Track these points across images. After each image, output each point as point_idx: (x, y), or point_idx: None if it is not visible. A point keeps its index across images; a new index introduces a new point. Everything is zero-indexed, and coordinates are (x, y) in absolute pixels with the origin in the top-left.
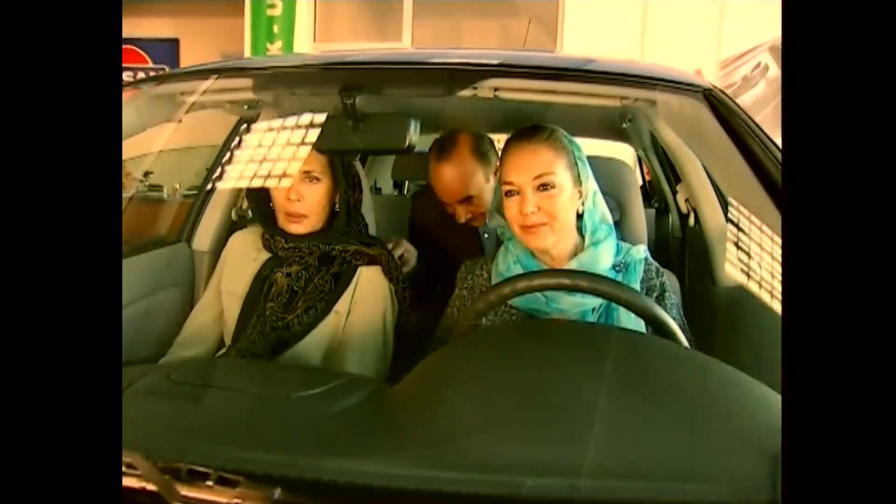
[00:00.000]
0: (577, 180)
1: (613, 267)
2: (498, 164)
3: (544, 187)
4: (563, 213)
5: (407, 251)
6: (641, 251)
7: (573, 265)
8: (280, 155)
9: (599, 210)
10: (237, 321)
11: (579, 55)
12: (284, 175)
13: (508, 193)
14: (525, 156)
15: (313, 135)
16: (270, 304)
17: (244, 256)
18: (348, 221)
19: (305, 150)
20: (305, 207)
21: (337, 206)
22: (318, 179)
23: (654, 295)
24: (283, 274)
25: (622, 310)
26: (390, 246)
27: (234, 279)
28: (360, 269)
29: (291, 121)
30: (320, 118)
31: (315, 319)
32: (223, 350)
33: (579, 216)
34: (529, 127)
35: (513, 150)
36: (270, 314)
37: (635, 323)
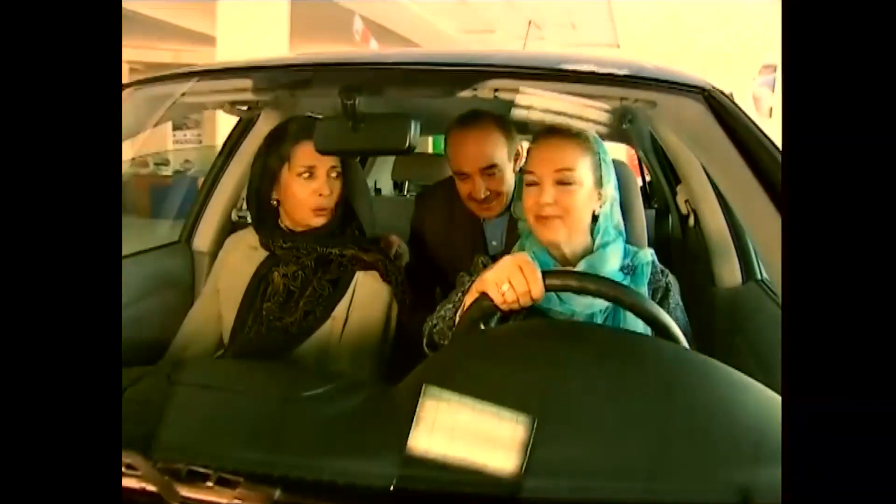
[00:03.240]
0: (599, 182)
1: (621, 269)
2: (519, 149)
3: (563, 182)
4: (578, 209)
5: (399, 247)
6: (649, 254)
7: (582, 265)
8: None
9: (614, 216)
10: (234, 321)
11: (580, 56)
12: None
13: (529, 183)
14: (550, 149)
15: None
16: (267, 304)
17: (241, 256)
18: (343, 219)
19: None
20: (332, 201)
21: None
22: (340, 174)
23: (659, 295)
24: (279, 274)
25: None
26: (382, 245)
27: (232, 279)
28: (357, 273)
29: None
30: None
31: (314, 324)
32: (221, 350)
33: (595, 218)
34: (558, 125)
35: (540, 143)
36: (267, 314)
37: (642, 324)
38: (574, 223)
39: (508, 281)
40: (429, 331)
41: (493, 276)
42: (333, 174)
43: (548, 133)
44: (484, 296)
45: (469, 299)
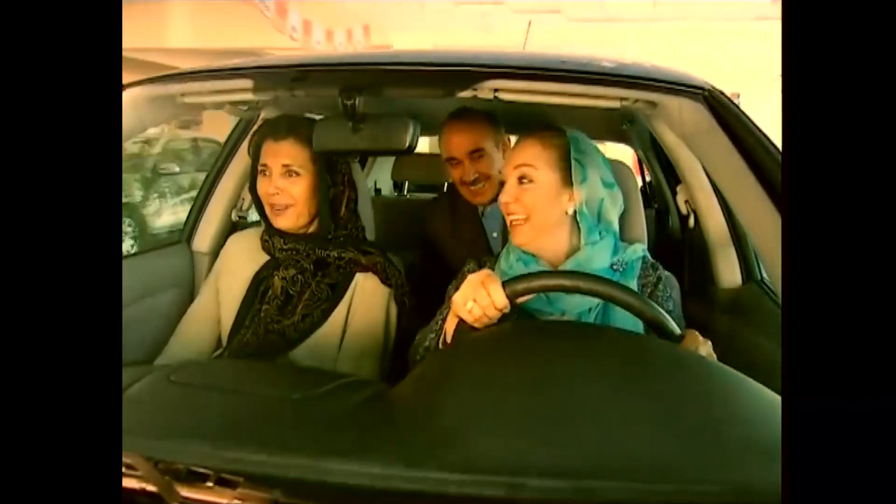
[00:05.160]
0: (567, 181)
1: (611, 266)
2: (506, 140)
3: (523, 179)
4: (540, 209)
5: None
6: (639, 249)
7: (570, 264)
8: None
9: (602, 213)
10: (233, 322)
11: (580, 56)
12: (266, 167)
13: (500, 182)
14: (515, 147)
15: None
16: (265, 306)
17: (242, 258)
18: (335, 222)
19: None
20: (285, 199)
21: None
22: (297, 174)
23: (648, 290)
24: (279, 277)
25: (619, 308)
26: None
27: (231, 281)
28: (357, 276)
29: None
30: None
31: (311, 327)
32: (219, 351)
33: (575, 216)
34: (531, 124)
35: (513, 142)
36: (265, 316)
37: (632, 321)
38: (538, 224)
39: (472, 298)
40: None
41: (459, 297)
42: (285, 173)
43: (517, 131)
44: (460, 320)
45: (449, 326)
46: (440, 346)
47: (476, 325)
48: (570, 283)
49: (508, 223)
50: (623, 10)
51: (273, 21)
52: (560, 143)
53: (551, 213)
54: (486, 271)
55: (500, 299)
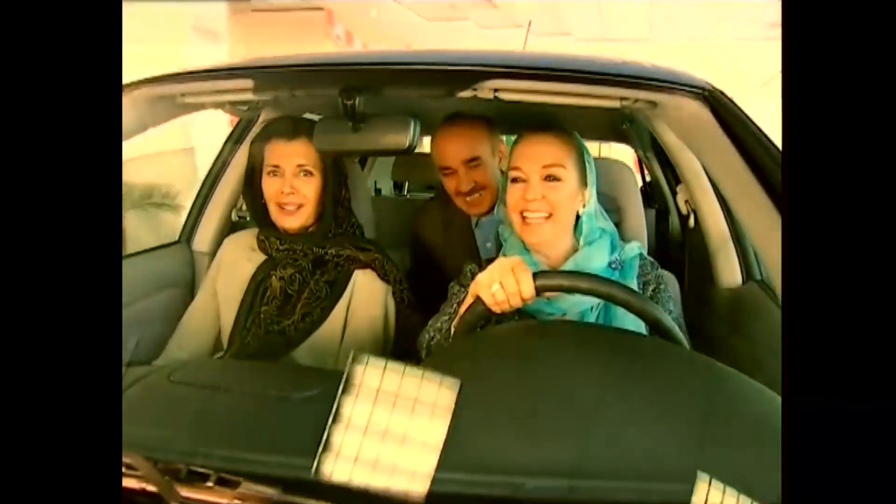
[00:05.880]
0: (583, 181)
1: (609, 264)
2: (503, 147)
3: (551, 178)
4: (564, 207)
5: None
6: (636, 247)
7: (569, 264)
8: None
9: (597, 216)
10: (233, 324)
11: (580, 56)
12: (277, 168)
13: (514, 180)
14: (537, 145)
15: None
16: (265, 307)
17: (240, 258)
18: (335, 219)
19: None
20: (299, 199)
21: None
22: (311, 174)
23: (651, 288)
24: (277, 277)
25: (620, 307)
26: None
27: (229, 282)
28: (355, 274)
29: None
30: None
31: (311, 326)
32: (219, 353)
33: (578, 219)
34: (544, 123)
35: (525, 140)
36: (265, 317)
37: (633, 321)
38: (560, 222)
39: (500, 282)
40: (426, 344)
41: (485, 278)
42: (300, 173)
43: (535, 130)
44: (478, 300)
45: (465, 305)
46: (452, 328)
47: (494, 308)
48: (604, 290)
49: (521, 222)
50: (622, 31)
51: (341, 47)
52: (576, 144)
53: (571, 211)
54: (517, 258)
55: (528, 289)
